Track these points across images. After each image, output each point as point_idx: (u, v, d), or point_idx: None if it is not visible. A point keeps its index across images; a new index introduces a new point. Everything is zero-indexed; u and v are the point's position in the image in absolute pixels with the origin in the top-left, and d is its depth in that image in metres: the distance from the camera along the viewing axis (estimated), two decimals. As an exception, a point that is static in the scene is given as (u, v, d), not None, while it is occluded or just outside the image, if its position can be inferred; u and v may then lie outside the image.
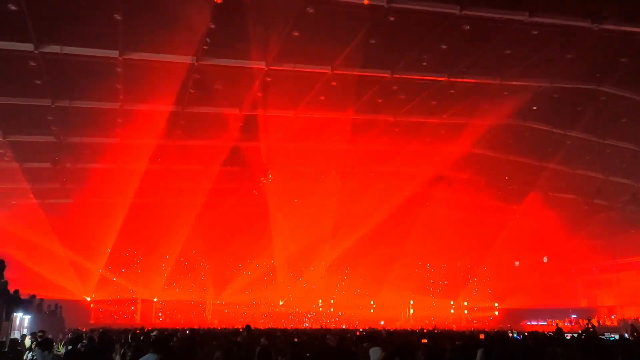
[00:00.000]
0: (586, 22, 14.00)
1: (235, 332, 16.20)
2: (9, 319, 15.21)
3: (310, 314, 35.64)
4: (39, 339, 11.35)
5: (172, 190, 26.29)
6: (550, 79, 17.61)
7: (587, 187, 25.94)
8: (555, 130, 21.02)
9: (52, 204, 26.85)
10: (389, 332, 18.00)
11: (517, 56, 16.17)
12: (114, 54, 14.98)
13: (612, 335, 17.77)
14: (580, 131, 20.89)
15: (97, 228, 28.07)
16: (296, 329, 21.64)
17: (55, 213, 26.75)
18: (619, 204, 26.64)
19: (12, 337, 14.57)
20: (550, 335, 15.69)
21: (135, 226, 28.27)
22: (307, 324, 33.56)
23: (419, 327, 24.34)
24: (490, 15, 14.03)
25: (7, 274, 15.36)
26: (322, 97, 18.73)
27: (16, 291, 15.81)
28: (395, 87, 18.19)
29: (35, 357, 10.32)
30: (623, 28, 14.21)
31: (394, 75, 17.19)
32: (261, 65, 16.19)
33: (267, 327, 25.27)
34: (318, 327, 27.82)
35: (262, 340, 10.43)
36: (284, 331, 18.33)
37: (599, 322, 28.11)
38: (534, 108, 19.89)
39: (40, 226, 26.17)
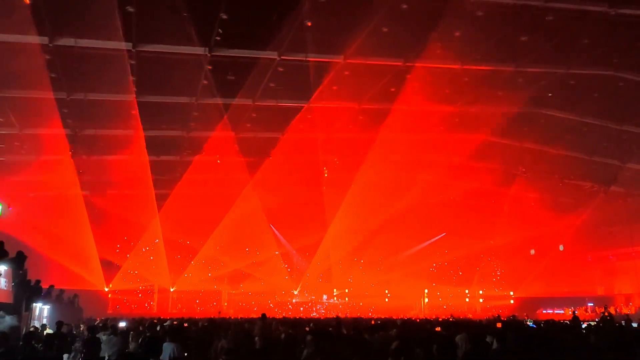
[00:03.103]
0: (602, 6, 13.76)
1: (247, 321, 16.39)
2: (28, 309, 15.47)
3: (325, 304, 35.78)
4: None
5: (189, 181, 26.44)
6: (566, 65, 17.34)
7: (604, 174, 25.63)
8: (571, 117, 20.75)
9: (70, 196, 27.17)
10: (403, 321, 18.02)
11: (532, 42, 15.95)
12: (128, 46, 15.09)
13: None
14: (596, 118, 20.60)
15: (114, 219, 28.38)
16: (310, 318, 21.76)
17: (74, 204, 27.05)
18: (636, 191, 26.30)
19: (32, 326, 14.85)
20: (566, 323, 15.63)
21: (147, 218, 28.64)
22: (322, 312, 33.75)
23: (434, 316, 24.36)
24: (504, 1, 13.85)
25: (26, 264, 15.59)
26: (335, 87, 18.67)
27: (37, 281, 16.06)
28: (408, 76, 18.08)
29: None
30: (640, 12, 13.96)
31: (407, 64, 17.07)
32: (273, 55, 16.21)
33: (281, 316, 25.40)
34: (332, 316, 27.93)
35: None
36: (298, 320, 18.42)
37: (616, 310, 27.85)
38: (550, 95, 19.65)
39: (58, 217, 26.48)
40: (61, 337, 11.72)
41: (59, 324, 12.47)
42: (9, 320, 12.23)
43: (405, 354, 6.29)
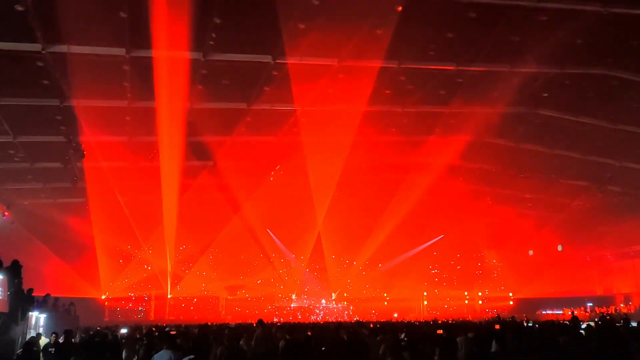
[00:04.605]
0: (595, 6, 13.76)
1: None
2: (24, 318, 15.35)
3: (323, 307, 35.69)
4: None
5: (184, 186, 26.33)
6: (561, 65, 17.33)
7: (600, 173, 25.62)
8: (566, 117, 20.74)
9: (65, 203, 27.08)
10: (400, 324, 17.96)
11: (525, 43, 15.95)
12: (121, 52, 15.03)
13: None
14: (592, 117, 20.59)
15: (111, 225, 28.26)
16: (309, 323, 21.67)
17: (69, 212, 26.98)
18: (632, 190, 26.31)
19: (28, 336, 14.73)
20: (566, 323, 15.55)
21: (144, 224, 28.54)
22: (320, 317, 33.64)
23: (433, 319, 24.29)
24: (497, 2, 13.86)
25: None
26: (330, 90, 18.63)
27: (30, 290, 15.94)
28: (403, 78, 18.06)
29: None
30: (633, 11, 13.95)
31: (402, 66, 17.05)
32: (267, 59, 16.17)
33: (280, 322, 25.28)
34: (331, 320, 27.84)
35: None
36: (297, 325, 18.31)
37: (615, 310, 27.82)
38: (545, 95, 19.66)
39: (54, 225, 26.37)
40: (70, 347, 11.64)
41: (68, 333, 12.37)
42: (16, 329, 12.25)
43: (393, 356, 6.27)
